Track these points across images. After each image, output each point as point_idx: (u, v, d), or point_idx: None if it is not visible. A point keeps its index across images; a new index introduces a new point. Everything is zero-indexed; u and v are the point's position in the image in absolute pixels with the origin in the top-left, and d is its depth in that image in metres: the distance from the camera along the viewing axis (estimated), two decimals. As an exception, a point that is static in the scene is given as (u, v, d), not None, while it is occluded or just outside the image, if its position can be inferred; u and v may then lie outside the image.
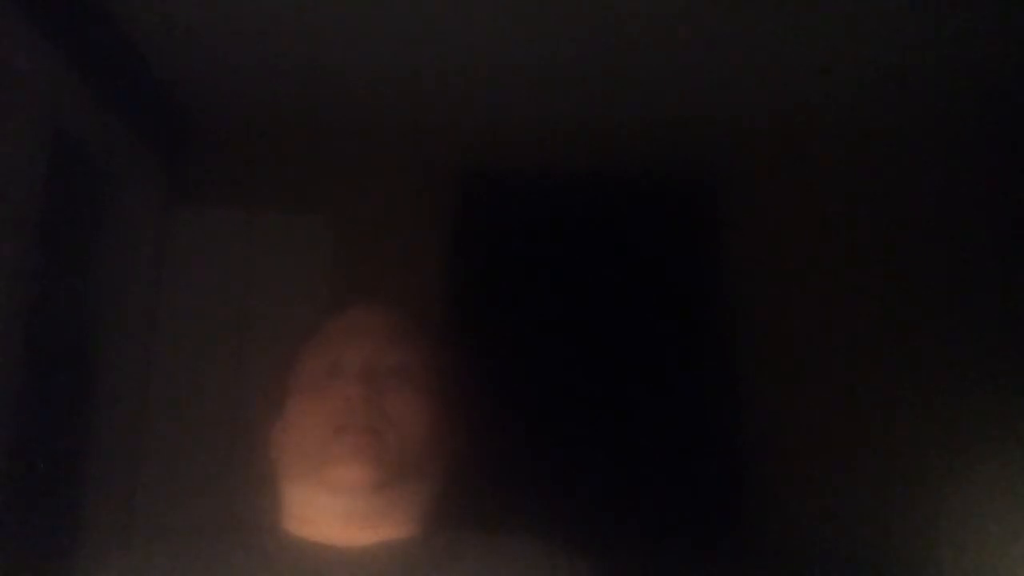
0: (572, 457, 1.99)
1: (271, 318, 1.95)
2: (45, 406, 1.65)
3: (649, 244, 2.17)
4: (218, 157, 2.24)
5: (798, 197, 2.20)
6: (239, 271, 2.07)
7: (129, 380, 1.93)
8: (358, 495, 0.74)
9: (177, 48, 1.98)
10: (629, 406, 2.04)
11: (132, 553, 0.77)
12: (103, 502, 1.82)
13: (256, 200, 2.17)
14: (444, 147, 2.25)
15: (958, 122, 2.20)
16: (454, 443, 0.83)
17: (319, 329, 0.85)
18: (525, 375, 2.02)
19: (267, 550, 0.75)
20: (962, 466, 1.98)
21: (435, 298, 2.05)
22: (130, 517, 1.85)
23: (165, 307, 2.03)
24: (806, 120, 2.22)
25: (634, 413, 2.03)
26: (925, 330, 2.09)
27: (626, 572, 0.90)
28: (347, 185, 2.22)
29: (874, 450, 2.00)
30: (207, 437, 1.91)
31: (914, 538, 1.94)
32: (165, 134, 2.15)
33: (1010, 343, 2.02)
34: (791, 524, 1.92)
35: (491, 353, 1.94)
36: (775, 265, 2.15)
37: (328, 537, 0.75)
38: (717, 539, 1.88)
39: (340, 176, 2.23)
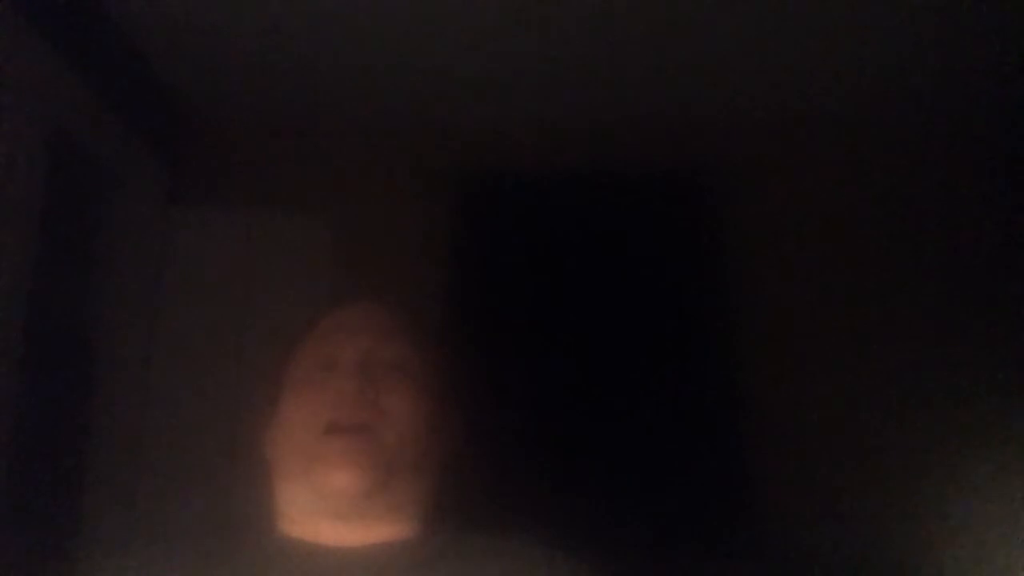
0: (571, 456, 1.99)
1: (270, 318, 1.95)
2: (45, 406, 1.65)
3: (648, 243, 2.17)
4: (218, 157, 2.24)
5: (797, 196, 2.20)
6: (239, 271, 2.07)
7: (129, 380, 1.93)
8: (352, 498, 0.73)
9: (177, 48, 1.98)
10: (628, 405, 2.04)
11: (131, 553, 0.77)
12: (103, 502, 1.82)
13: (256, 200, 2.17)
14: (444, 147, 2.25)
15: (958, 122, 2.20)
16: (451, 441, 0.82)
17: (315, 325, 0.85)
18: (523, 373, 2.02)
19: (265, 551, 0.75)
20: (962, 466, 1.98)
21: (433, 295, 2.05)
22: (130, 517, 1.85)
23: (165, 307, 2.03)
24: (805, 120, 2.22)
25: (633, 412, 2.03)
26: (925, 330, 2.09)
27: (626, 572, 0.89)
28: (346, 185, 2.22)
29: (874, 450, 2.00)
30: (206, 437, 1.91)
31: (914, 538, 1.94)
32: (165, 134, 2.15)
33: (1010, 343, 2.03)
34: (791, 524, 1.92)
35: (489, 350, 1.94)
36: (775, 265, 2.15)
37: (325, 537, 0.75)
38: (717, 539, 1.88)
39: (340, 176, 2.23)
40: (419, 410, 0.79)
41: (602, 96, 2.15)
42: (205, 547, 0.77)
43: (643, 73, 2.05)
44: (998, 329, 2.05)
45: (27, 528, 1.53)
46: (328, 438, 0.74)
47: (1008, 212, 2.12)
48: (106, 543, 1.73)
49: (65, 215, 1.74)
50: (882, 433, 2.01)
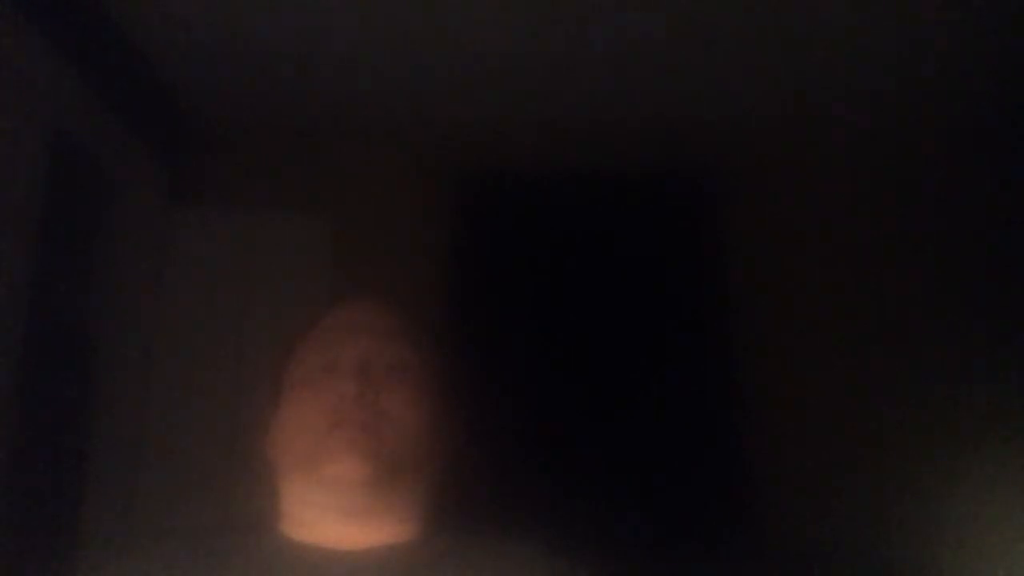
0: (572, 457, 1.99)
1: (270, 318, 1.95)
2: (45, 406, 1.65)
3: (649, 243, 2.17)
4: (218, 157, 2.24)
5: (797, 197, 2.20)
6: (239, 271, 2.07)
7: (129, 380, 1.93)
8: (354, 491, 0.74)
9: (177, 48, 1.98)
10: (629, 406, 2.04)
11: (131, 555, 0.77)
12: (103, 502, 1.82)
13: (256, 200, 2.17)
14: (444, 147, 2.25)
15: (958, 122, 2.20)
16: (452, 442, 0.82)
17: (316, 326, 0.85)
18: (524, 374, 2.02)
19: (266, 553, 0.75)
20: (962, 466, 1.98)
21: (434, 296, 2.05)
22: (129, 517, 1.85)
23: (165, 307, 2.03)
24: (806, 120, 2.22)
25: (634, 413, 2.03)
26: (925, 330, 2.09)
27: (626, 573, 0.89)
28: (347, 185, 2.22)
29: (874, 450, 2.00)
30: (206, 437, 1.91)
31: (914, 538, 1.94)
32: (165, 134, 2.15)
33: (1010, 343, 2.02)
34: (791, 524, 1.92)
35: (489, 351, 1.94)
36: (775, 265, 2.15)
37: (326, 539, 0.75)
38: (717, 540, 1.88)
39: (340, 176, 2.23)
40: (420, 411, 0.79)
41: (602, 96, 2.15)
42: (205, 549, 0.77)
43: (643, 73, 2.05)
44: (998, 329, 2.05)
45: (27, 528, 1.53)
46: (332, 435, 0.75)
47: (1008, 212, 2.12)
48: (106, 544, 1.73)
49: (65, 215, 1.74)
50: (882, 433, 2.01)
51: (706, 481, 1.98)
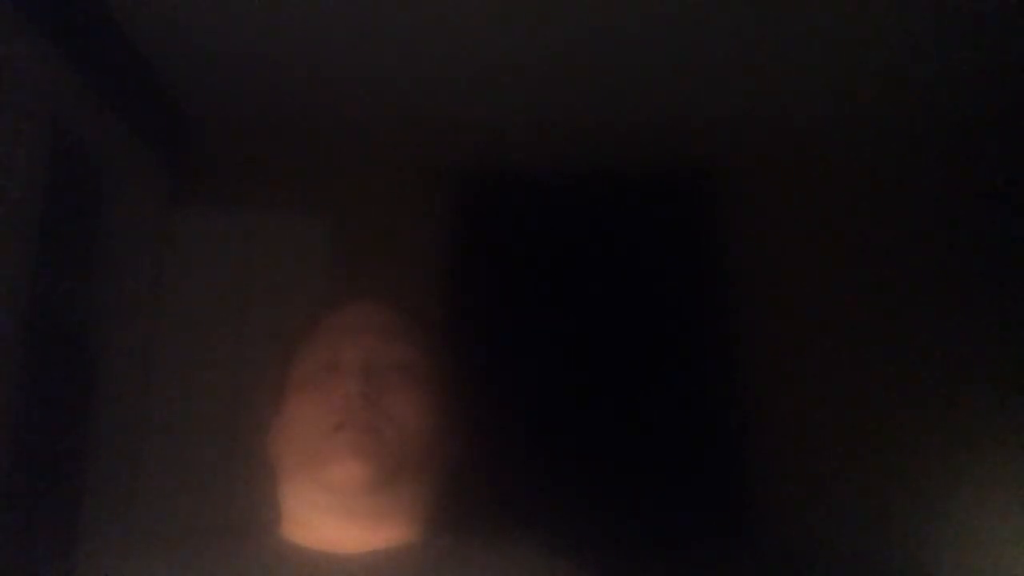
0: (572, 458, 1.99)
1: (270, 318, 1.95)
2: (45, 406, 1.65)
3: (649, 243, 2.17)
4: (218, 157, 2.24)
5: (797, 196, 2.20)
6: (239, 271, 2.07)
7: (129, 380, 1.93)
8: (356, 492, 0.73)
9: (177, 48, 1.98)
10: (629, 406, 2.04)
11: (131, 555, 0.77)
12: (103, 502, 1.82)
13: (256, 200, 2.17)
14: (444, 147, 2.25)
15: (958, 122, 2.20)
16: (454, 442, 0.82)
17: (317, 326, 0.84)
18: (526, 374, 2.02)
19: (266, 556, 0.75)
20: (962, 466, 1.98)
21: (435, 295, 2.05)
22: (129, 518, 1.85)
23: (165, 307, 2.03)
24: (805, 120, 2.22)
25: (635, 413, 2.03)
26: (925, 330, 2.09)
27: (626, 573, 0.89)
28: (346, 185, 2.22)
29: (874, 450, 2.00)
30: (206, 437, 1.91)
31: (914, 538, 1.94)
32: (165, 134, 2.15)
33: (1010, 343, 2.03)
34: (791, 524, 1.92)
35: (491, 351, 1.94)
36: (775, 265, 2.15)
37: (327, 541, 0.74)
38: (718, 540, 1.88)
39: (340, 176, 2.23)
40: (422, 411, 0.79)
41: (602, 96, 2.15)
42: (205, 551, 0.77)
43: (643, 73, 2.05)
44: (998, 329, 2.05)
45: (27, 528, 1.53)
46: (334, 436, 0.74)
47: (1008, 212, 2.12)
48: (106, 544, 1.73)
49: (65, 215, 1.74)
50: (882, 433, 2.01)
51: (706, 481, 1.98)
